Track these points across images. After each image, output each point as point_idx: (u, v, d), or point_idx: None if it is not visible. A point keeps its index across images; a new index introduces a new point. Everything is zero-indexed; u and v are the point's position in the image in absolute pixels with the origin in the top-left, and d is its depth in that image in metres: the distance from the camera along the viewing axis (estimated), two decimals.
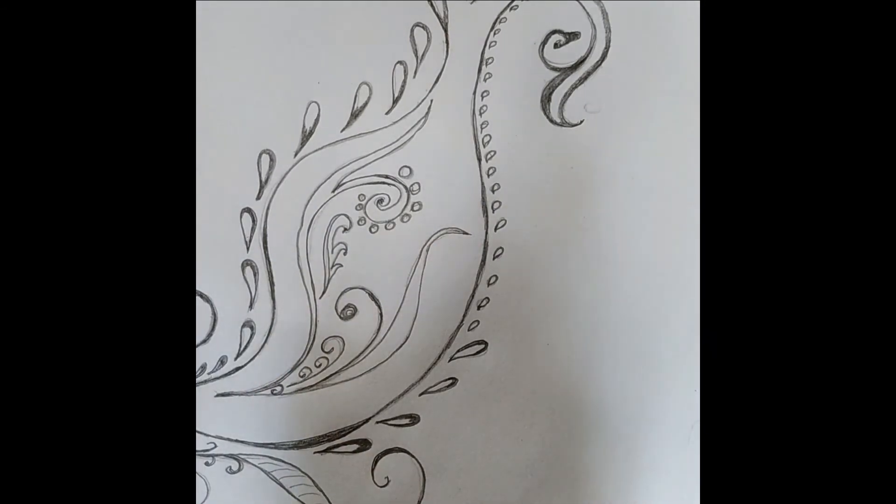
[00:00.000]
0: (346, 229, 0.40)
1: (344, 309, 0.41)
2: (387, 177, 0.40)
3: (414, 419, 0.42)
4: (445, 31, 0.40)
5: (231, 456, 0.41)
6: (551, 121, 0.41)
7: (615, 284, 0.42)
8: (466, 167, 0.41)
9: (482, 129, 0.40)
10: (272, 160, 0.39)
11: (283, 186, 0.40)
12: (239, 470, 0.41)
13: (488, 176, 0.41)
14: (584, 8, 0.40)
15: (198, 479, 0.41)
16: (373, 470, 0.42)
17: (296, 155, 0.40)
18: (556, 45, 0.40)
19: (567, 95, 0.41)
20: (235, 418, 0.41)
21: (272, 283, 0.40)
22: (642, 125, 0.41)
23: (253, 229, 0.40)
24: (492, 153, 0.41)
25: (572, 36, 0.40)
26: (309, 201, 0.40)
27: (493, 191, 0.41)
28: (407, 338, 0.41)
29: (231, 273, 0.40)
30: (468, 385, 0.42)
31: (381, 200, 0.40)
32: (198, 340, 0.40)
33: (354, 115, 0.40)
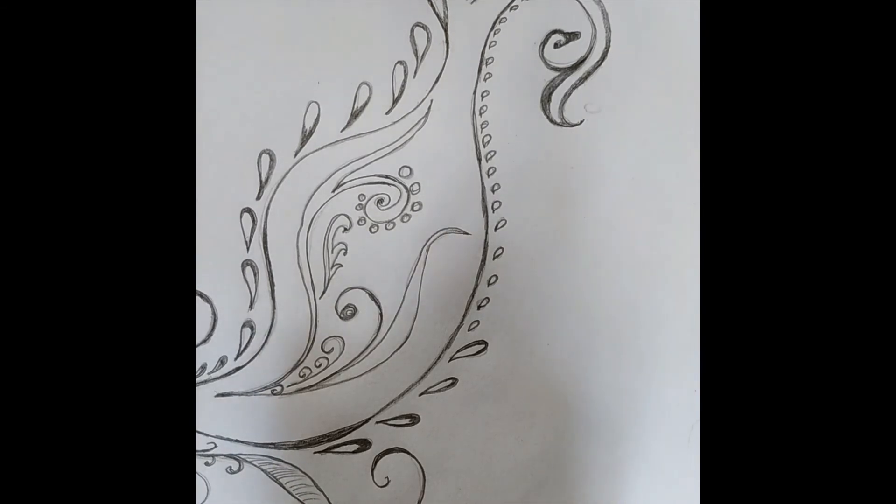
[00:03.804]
0: (346, 229, 0.40)
1: (344, 309, 0.41)
2: (387, 177, 0.40)
3: (414, 419, 0.42)
4: (445, 30, 0.40)
5: (231, 456, 0.41)
6: (551, 121, 0.41)
7: (615, 284, 0.42)
8: (466, 167, 0.41)
9: (482, 128, 0.40)
10: (272, 160, 0.40)
11: (283, 186, 0.40)
12: (239, 470, 0.41)
13: (488, 176, 0.41)
14: (584, 8, 0.40)
15: (198, 479, 0.41)
16: (373, 470, 0.42)
17: (296, 155, 0.40)
18: (556, 45, 0.40)
19: (567, 95, 0.41)
20: (235, 418, 0.41)
21: (272, 283, 0.40)
22: (642, 125, 0.41)
23: (253, 229, 0.40)
24: (492, 153, 0.41)
25: (572, 36, 0.40)
26: (309, 201, 0.40)
27: (493, 191, 0.41)
28: (407, 338, 0.41)
29: (231, 273, 0.40)
30: (468, 385, 0.42)
31: (381, 200, 0.40)
32: (198, 340, 0.40)
33: (354, 115, 0.40)
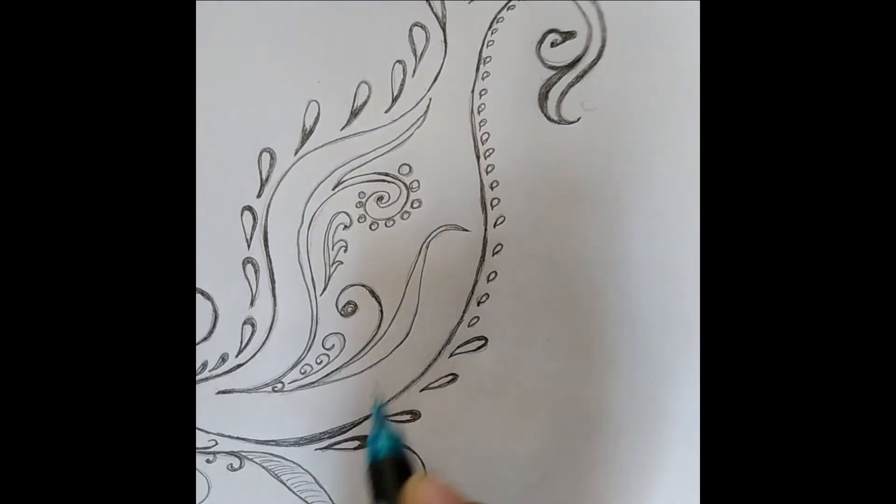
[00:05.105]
0: (346, 227, 0.41)
1: (344, 306, 0.41)
2: (386, 174, 0.40)
3: (415, 415, 0.42)
4: (444, 30, 0.40)
5: (232, 453, 0.41)
6: (549, 118, 0.41)
7: (614, 280, 0.42)
8: (465, 164, 0.41)
9: (481, 126, 0.41)
10: (272, 158, 0.40)
11: (283, 184, 0.40)
12: (240, 467, 0.41)
13: (487, 173, 0.41)
14: (579, 8, 0.40)
15: (198, 476, 0.41)
16: None
17: (296, 153, 0.40)
18: (552, 44, 0.40)
19: (564, 93, 0.41)
20: (236, 415, 0.41)
21: (273, 281, 0.40)
22: (639, 123, 0.41)
23: (254, 227, 0.40)
24: (490, 150, 0.41)
25: (568, 35, 0.40)
26: (309, 199, 0.40)
27: (491, 188, 0.41)
28: (407, 334, 0.41)
29: (232, 270, 0.40)
30: (469, 381, 0.42)
31: (380, 198, 0.41)
32: (199, 338, 0.40)
33: (354, 113, 0.40)
